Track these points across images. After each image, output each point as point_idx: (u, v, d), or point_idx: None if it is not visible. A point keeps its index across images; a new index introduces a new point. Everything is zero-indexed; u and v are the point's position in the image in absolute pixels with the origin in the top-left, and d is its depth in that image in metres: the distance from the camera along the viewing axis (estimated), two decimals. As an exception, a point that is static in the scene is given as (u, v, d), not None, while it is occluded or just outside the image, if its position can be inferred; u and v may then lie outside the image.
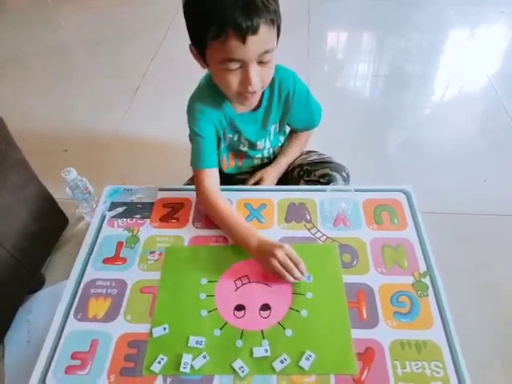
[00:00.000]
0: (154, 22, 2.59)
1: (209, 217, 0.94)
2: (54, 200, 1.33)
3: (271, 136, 1.09)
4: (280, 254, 0.80)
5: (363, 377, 0.70)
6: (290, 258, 0.80)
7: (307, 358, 0.72)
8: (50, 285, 1.28)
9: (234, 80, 0.83)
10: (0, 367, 1.12)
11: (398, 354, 0.72)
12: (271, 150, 1.14)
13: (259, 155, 1.13)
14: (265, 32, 0.76)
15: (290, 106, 1.02)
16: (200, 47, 0.82)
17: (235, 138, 1.05)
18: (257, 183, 1.12)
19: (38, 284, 1.26)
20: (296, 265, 0.80)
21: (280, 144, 1.15)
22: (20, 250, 1.14)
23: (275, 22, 0.78)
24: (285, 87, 0.98)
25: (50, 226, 1.31)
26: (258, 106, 0.99)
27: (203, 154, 0.97)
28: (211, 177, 0.97)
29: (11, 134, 1.16)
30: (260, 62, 0.81)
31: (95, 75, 2.22)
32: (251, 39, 0.75)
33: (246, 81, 0.82)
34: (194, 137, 0.98)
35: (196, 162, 0.98)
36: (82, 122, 1.91)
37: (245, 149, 1.09)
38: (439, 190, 1.47)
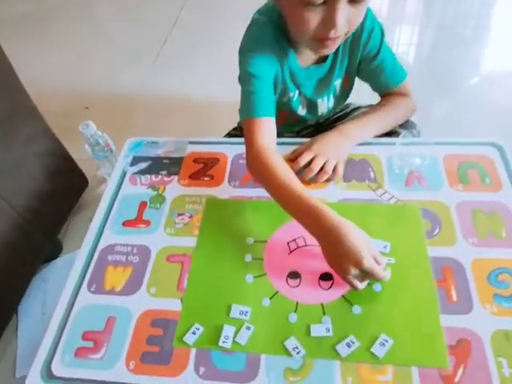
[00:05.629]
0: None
1: (259, 183, 0.74)
2: (72, 158, 1.21)
3: (337, 92, 0.89)
4: (367, 263, 0.56)
5: (457, 377, 0.53)
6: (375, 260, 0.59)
7: (382, 344, 0.56)
8: (68, 252, 1.18)
9: (313, 19, 0.64)
10: (13, 340, 1.04)
11: (502, 348, 0.55)
12: (331, 111, 0.94)
13: (314, 119, 0.94)
14: None
15: (357, 48, 0.80)
16: None
17: (294, 98, 0.86)
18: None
19: (54, 251, 1.17)
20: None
21: (343, 103, 0.95)
22: (31, 210, 1.03)
23: None
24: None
25: (66, 186, 1.19)
26: (326, 56, 0.80)
27: (259, 98, 0.75)
28: (267, 129, 0.75)
29: (21, 82, 1.04)
30: (352, 1, 0.62)
31: (120, 27, 2.10)
32: None
33: (329, 22, 0.63)
34: (247, 79, 0.77)
35: (248, 108, 0.76)
36: (105, 78, 1.80)
37: (303, 112, 0.90)
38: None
